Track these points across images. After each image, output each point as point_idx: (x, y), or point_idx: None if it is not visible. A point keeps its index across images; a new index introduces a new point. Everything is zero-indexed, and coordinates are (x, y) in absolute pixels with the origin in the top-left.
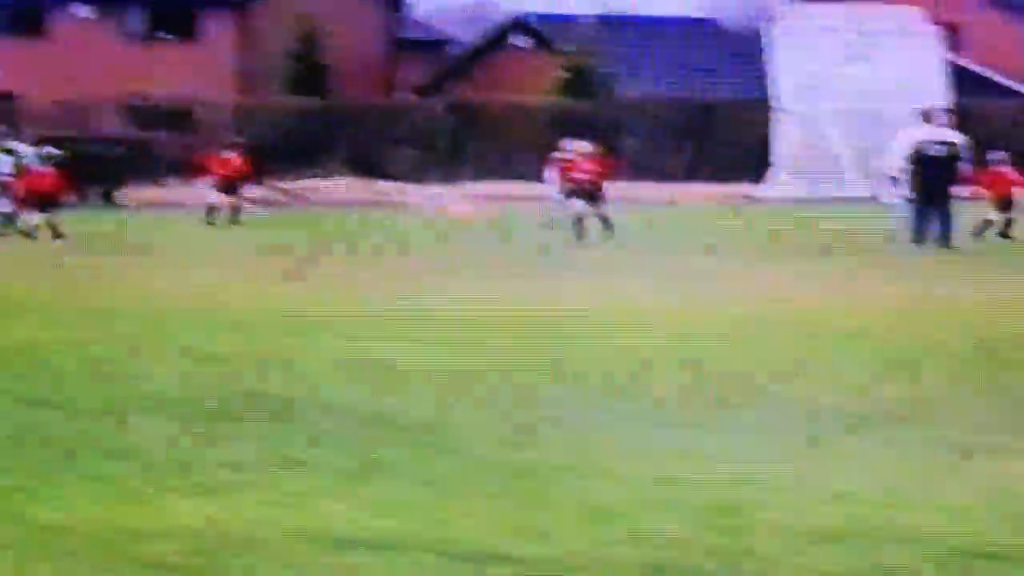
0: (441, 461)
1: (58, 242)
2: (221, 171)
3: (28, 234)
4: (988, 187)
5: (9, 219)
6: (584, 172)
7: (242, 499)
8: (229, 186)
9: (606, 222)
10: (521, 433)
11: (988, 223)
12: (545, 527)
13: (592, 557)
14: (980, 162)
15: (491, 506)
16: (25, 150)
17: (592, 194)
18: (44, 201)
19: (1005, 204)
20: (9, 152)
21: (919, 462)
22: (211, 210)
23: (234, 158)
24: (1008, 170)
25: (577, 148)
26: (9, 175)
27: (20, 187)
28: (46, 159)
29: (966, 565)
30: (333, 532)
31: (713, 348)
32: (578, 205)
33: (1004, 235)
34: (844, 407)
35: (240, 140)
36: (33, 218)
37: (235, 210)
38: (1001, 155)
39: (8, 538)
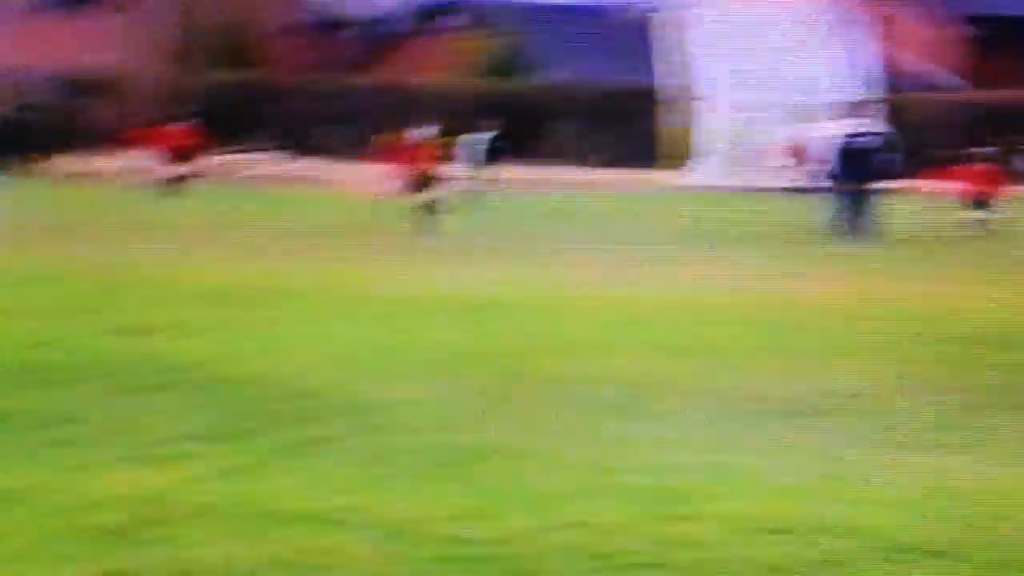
0: (387, 440)
1: None
2: (171, 142)
3: None
4: (963, 182)
5: None
6: (421, 160)
7: (188, 470)
8: (181, 157)
9: (432, 209)
10: (464, 416)
11: (967, 220)
12: (489, 509)
13: (535, 540)
14: (918, 155)
15: (436, 487)
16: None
17: (427, 182)
18: None
19: (982, 200)
20: None
21: (857, 455)
22: (161, 181)
23: (184, 129)
24: (982, 165)
25: (421, 136)
26: None
27: None
28: None
29: (902, 559)
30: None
31: (626, 335)
32: (421, 194)
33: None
34: (774, 396)
35: (193, 111)
36: None
37: (181, 181)
38: (978, 150)
39: None
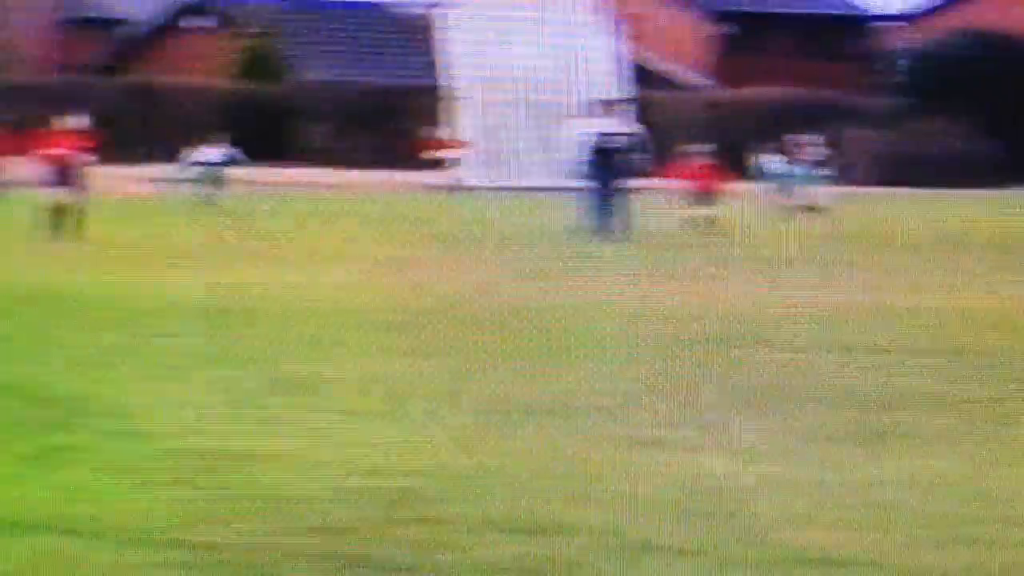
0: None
1: None
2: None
3: None
4: (687, 180)
5: None
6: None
7: None
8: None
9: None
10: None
11: (692, 218)
12: (224, 514)
13: (271, 544)
14: (663, 154)
15: (172, 493)
16: None
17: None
18: None
19: (706, 198)
20: None
21: (592, 453)
22: None
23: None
24: (705, 163)
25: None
26: None
27: None
28: None
29: (634, 558)
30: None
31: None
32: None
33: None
34: (512, 396)
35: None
36: None
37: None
38: (699, 148)
39: None
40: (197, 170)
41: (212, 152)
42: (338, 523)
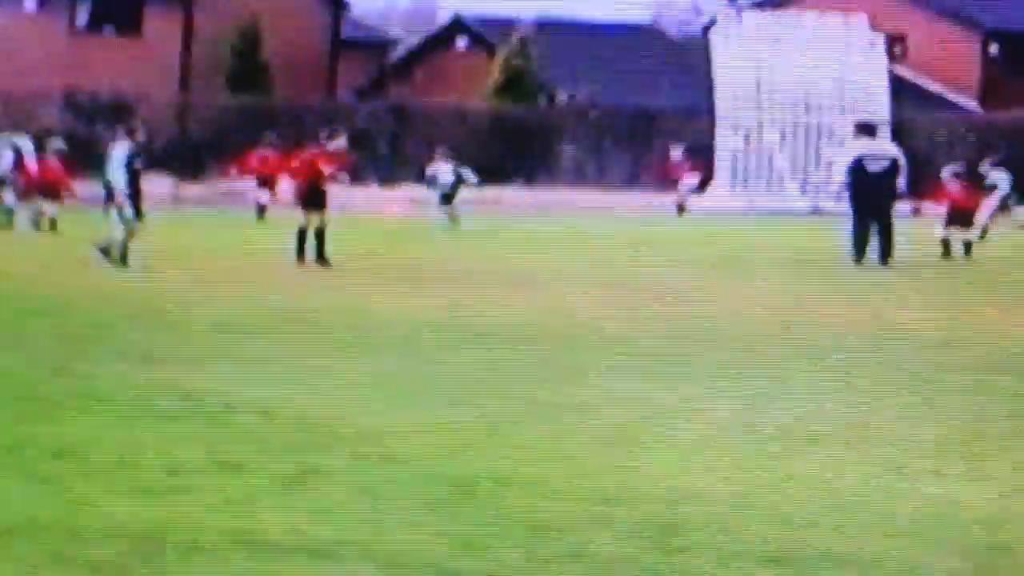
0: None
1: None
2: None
3: (37, 225)
4: (944, 202)
5: (10, 213)
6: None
7: (182, 502)
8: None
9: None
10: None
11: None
12: (483, 541)
13: (528, 571)
14: (923, 177)
15: (431, 518)
16: (26, 144)
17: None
18: (52, 193)
19: (965, 221)
20: (12, 148)
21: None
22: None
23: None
24: (962, 185)
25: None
26: (12, 170)
27: (30, 179)
28: (56, 152)
29: None
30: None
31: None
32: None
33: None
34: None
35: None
36: (47, 210)
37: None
38: (956, 169)
39: None
40: (433, 188)
41: (443, 169)
42: (600, 552)
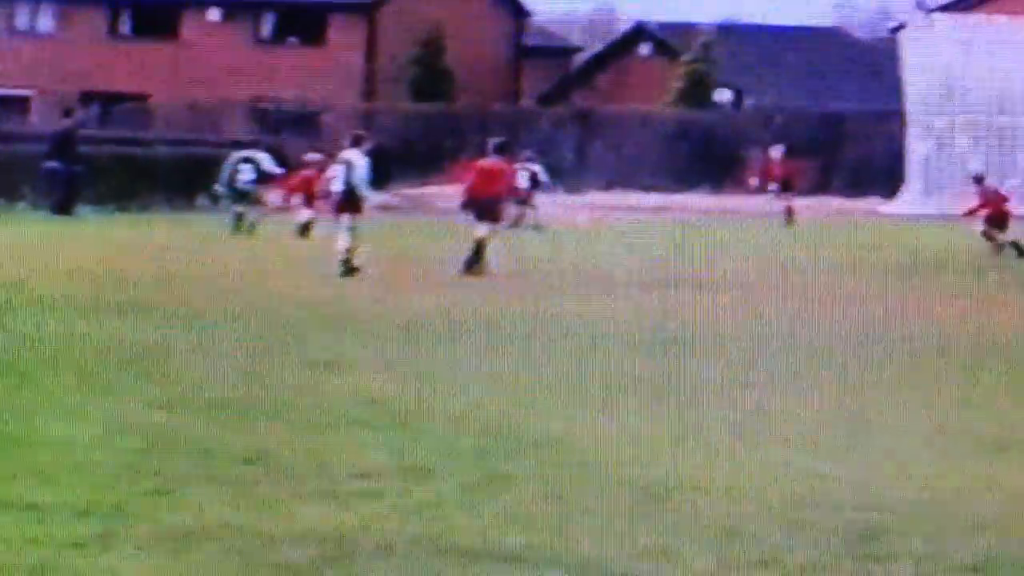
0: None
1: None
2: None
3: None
4: None
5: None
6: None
7: (370, 507)
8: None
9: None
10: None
11: None
12: (674, 547)
13: None
14: None
15: (620, 524)
16: (262, 156)
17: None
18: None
19: None
20: (249, 161)
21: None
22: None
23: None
24: None
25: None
26: (252, 182)
27: (295, 187)
28: (309, 162)
29: None
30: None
31: None
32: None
33: None
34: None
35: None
36: (305, 214)
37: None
38: None
39: (145, 542)
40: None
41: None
42: (793, 559)
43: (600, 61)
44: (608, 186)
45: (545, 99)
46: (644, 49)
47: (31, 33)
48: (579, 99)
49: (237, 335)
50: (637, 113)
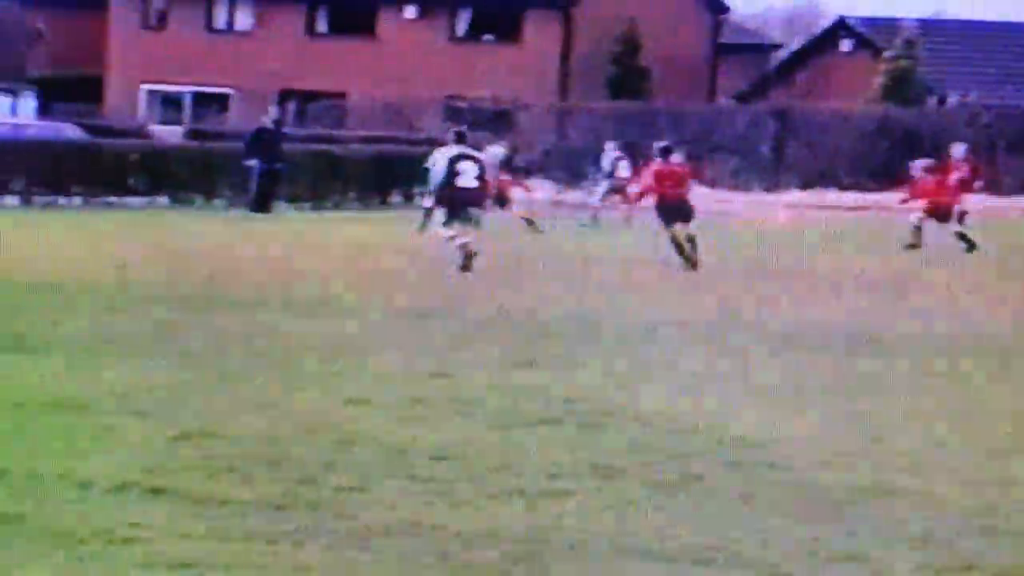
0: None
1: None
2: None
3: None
4: None
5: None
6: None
7: (560, 506)
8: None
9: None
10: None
11: None
12: (867, 552)
13: None
14: None
15: (812, 527)
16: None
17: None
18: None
19: None
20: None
21: None
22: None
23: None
24: None
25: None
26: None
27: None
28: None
29: None
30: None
31: None
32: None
33: None
34: None
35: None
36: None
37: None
38: None
39: (338, 538)
40: (604, 180)
41: (607, 159)
42: (992, 564)
43: (800, 57)
44: (806, 185)
45: (742, 97)
46: (846, 45)
47: (229, 31)
48: (777, 96)
49: (430, 331)
50: (838, 110)
